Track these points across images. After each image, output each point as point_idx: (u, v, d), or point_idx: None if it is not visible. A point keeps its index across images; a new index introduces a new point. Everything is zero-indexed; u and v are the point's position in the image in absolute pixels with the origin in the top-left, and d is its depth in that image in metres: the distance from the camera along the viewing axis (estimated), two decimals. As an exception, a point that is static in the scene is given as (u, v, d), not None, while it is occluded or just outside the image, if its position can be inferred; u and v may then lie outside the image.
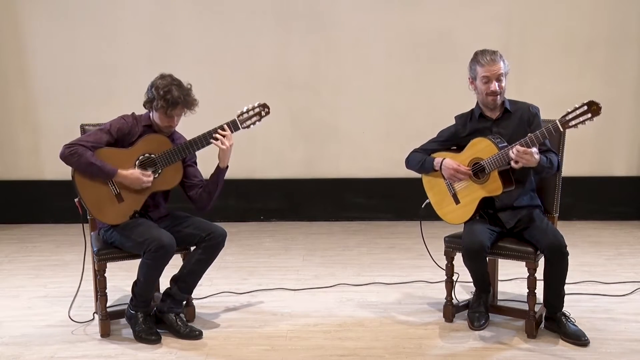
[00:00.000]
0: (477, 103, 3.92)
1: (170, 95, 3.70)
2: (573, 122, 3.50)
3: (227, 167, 3.90)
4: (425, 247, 4.23)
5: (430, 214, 4.01)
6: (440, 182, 3.92)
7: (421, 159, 3.95)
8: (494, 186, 3.73)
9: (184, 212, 4.00)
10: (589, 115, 3.47)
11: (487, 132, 3.82)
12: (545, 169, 3.68)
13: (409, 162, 4.02)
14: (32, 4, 6.13)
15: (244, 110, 3.86)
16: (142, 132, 3.84)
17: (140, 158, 3.79)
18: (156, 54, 6.09)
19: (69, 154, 3.68)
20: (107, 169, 3.71)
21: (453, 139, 3.95)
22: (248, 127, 3.86)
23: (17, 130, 6.31)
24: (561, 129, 3.53)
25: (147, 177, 3.75)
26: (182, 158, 3.82)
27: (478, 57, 3.82)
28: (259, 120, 3.88)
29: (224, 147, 3.81)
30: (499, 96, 3.79)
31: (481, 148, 3.76)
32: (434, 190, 3.97)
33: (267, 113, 3.89)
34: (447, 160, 3.84)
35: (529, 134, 3.58)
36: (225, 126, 3.81)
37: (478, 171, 3.77)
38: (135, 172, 3.74)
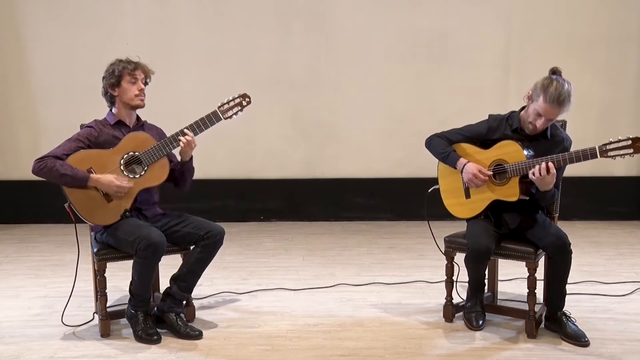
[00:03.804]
0: (519, 114, 3.79)
1: (126, 59, 3.85)
2: (612, 153, 3.45)
3: (192, 157, 3.90)
4: (431, 232, 4.14)
5: (433, 214, 4.01)
6: (456, 172, 3.86)
7: (445, 150, 3.85)
8: (510, 192, 3.69)
9: (181, 211, 4.00)
10: (631, 150, 3.42)
11: None
12: (548, 198, 3.68)
13: (431, 146, 3.91)
14: (32, 4, 6.14)
15: (225, 101, 3.86)
16: (115, 130, 3.86)
17: (124, 157, 3.79)
18: (156, 54, 6.09)
19: (39, 169, 3.70)
20: (80, 176, 3.70)
21: (480, 138, 3.85)
22: (230, 117, 3.85)
23: (17, 130, 6.32)
24: (598, 157, 3.47)
25: (119, 180, 3.72)
26: (166, 153, 3.81)
27: (548, 90, 3.58)
28: (241, 110, 3.87)
29: (187, 148, 3.79)
30: (539, 130, 3.68)
31: (509, 151, 3.69)
32: (447, 179, 3.91)
33: (248, 103, 3.88)
34: (469, 165, 3.77)
35: (565, 153, 3.54)
36: (187, 130, 3.78)
37: (498, 173, 3.75)
38: (107, 176, 3.73)
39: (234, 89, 6.11)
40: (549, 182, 3.57)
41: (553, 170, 3.52)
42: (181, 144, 3.77)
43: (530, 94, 3.69)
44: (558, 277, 3.69)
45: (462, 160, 3.81)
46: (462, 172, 3.80)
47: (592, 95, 6.10)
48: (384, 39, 6.18)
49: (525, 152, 3.65)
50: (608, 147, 3.46)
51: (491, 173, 3.74)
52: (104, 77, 3.87)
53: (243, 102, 3.87)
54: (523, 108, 3.80)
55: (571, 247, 3.64)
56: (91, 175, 3.71)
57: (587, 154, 3.48)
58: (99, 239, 3.86)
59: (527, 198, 3.72)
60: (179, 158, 3.93)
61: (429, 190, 4.00)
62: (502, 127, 3.81)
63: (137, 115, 3.97)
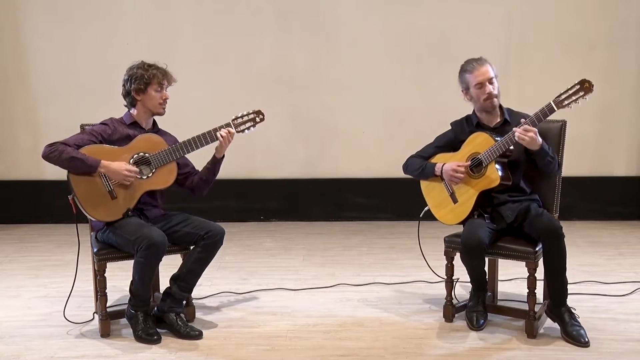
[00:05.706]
0: (474, 112, 3.93)
1: (155, 65, 3.86)
2: (566, 102, 3.57)
3: (224, 155, 3.94)
4: (423, 256, 4.22)
5: (429, 217, 4.01)
6: (438, 184, 3.93)
7: (421, 164, 3.96)
8: (490, 179, 3.75)
9: (181, 212, 4.00)
10: (582, 93, 3.55)
11: None
12: (548, 156, 3.70)
13: (408, 168, 4.03)
14: (33, 4, 6.14)
15: (239, 115, 3.92)
16: (130, 130, 3.87)
17: (134, 156, 3.80)
18: (156, 54, 6.05)
19: (50, 152, 3.69)
20: (91, 161, 3.70)
21: (451, 144, 3.96)
22: (242, 131, 3.92)
23: (18, 130, 6.32)
24: (555, 109, 3.58)
25: (129, 166, 3.74)
26: (176, 159, 3.83)
27: (465, 67, 3.85)
28: (253, 126, 3.95)
29: (225, 143, 3.85)
30: (495, 98, 3.82)
31: (479, 142, 3.79)
32: (433, 194, 3.97)
33: (262, 120, 3.96)
34: (446, 165, 3.86)
35: (527, 118, 3.62)
36: (231, 124, 3.88)
37: (475, 166, 3.79)
38: (118, 162, 3.74)
39: (234, 88, 6.17)
40: (535, 141, 3.60)
41: (527, 127, 3.58)
42: (220, 137, 3.81)
43: (463, 89, 3.87)
44: (555, 265, 3.65)
45: (438, 165, 3.91)
46: (442, 176, 3.86)
47: (592, 95, 6.07)
48: (384, 39, 6.17)
49: (494, 137, 3.74)
50: (561, 97, 3.58)
51: (468, 163, 3.80)
52: (128, 79, 3.85)
53: (257, 118, 3.95)
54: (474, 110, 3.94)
55: (563, 232, 3.63)
56: (102, 161, 3.72)
57: (546, 111, 3.60)
58: (100, 238, 3.86)
59: (510, 183, 3.76)
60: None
61: (421, 215, 4.04)
62: (465, 127, 3.94)
63: (154, 120, 3.98)
